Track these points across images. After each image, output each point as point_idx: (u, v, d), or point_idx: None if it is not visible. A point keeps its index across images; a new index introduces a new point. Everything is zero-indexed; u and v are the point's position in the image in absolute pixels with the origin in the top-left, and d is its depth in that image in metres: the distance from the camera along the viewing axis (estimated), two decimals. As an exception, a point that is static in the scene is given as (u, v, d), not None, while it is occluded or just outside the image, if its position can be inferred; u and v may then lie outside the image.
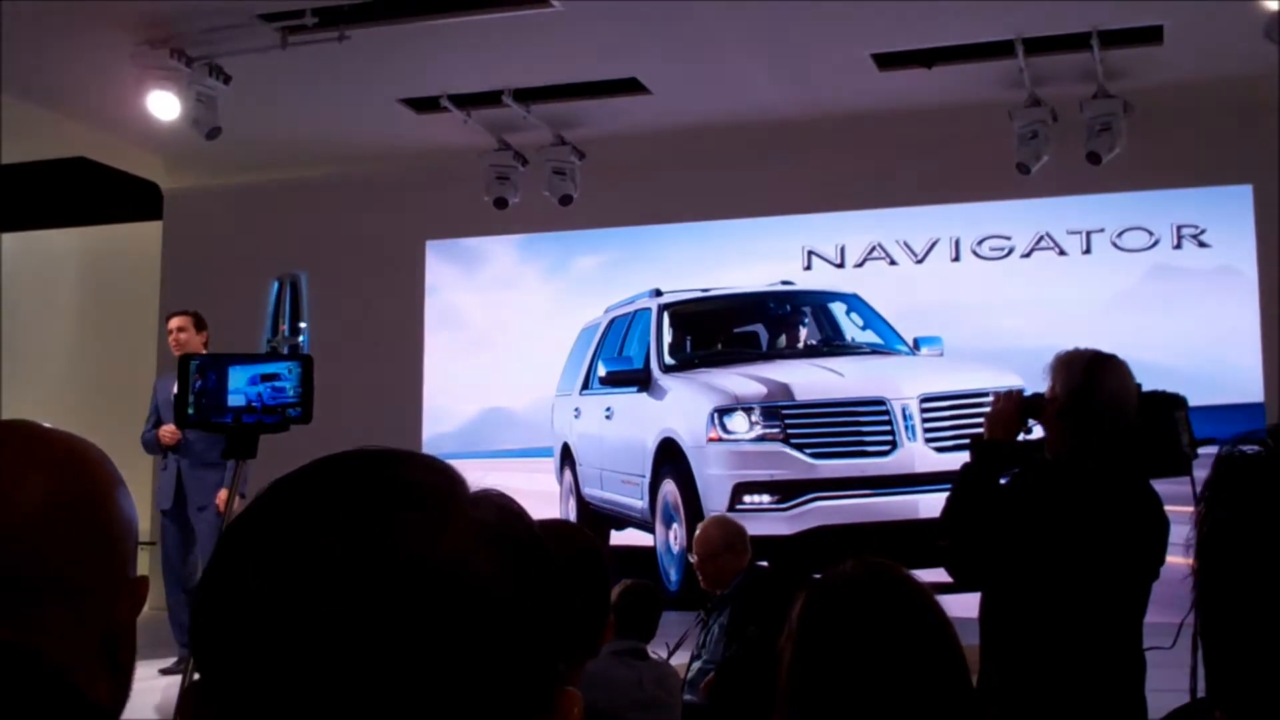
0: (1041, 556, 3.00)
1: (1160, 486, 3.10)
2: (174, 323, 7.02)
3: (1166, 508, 3.08)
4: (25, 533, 1.12)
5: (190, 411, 3.33)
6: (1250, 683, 0.95)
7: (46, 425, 1.22)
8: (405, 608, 0.66)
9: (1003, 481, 3.16)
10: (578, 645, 2.16)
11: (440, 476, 0.74)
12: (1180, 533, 3.07)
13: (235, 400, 3.27)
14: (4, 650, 1.08)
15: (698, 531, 5.30)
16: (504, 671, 0.69)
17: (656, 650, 5.09)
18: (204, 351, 6.94)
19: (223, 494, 6.67)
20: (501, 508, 0.74)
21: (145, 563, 7.41)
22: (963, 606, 2.45)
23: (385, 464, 0.74)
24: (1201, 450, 3.03)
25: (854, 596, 1.72)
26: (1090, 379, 3.06)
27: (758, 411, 8.57)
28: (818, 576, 1.84)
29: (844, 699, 1.64)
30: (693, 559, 5.26)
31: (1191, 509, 2.86)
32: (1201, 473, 2.92)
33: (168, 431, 6.79)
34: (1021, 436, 3.21)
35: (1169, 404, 3.06)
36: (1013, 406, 3.18)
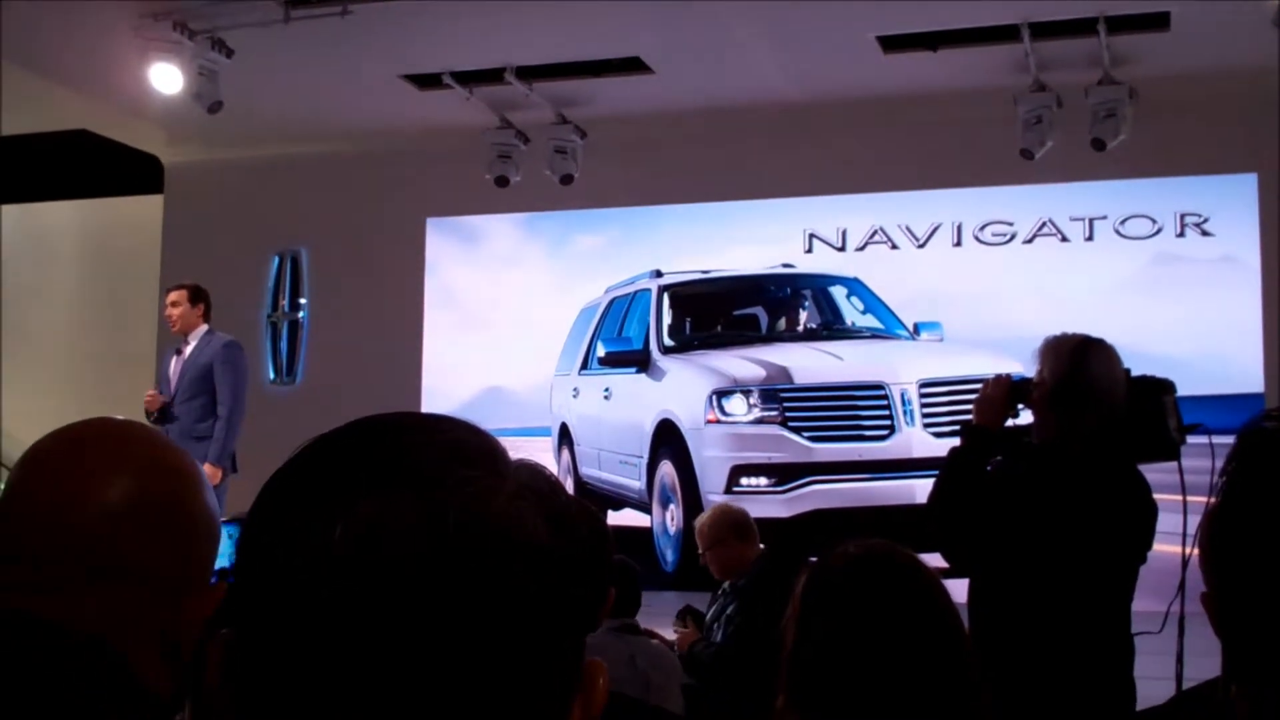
0: (1029, 541, 3.00)
1: (1149, 476, 3.10)
2: (169, 297, 6.96)
3: (1154, 496, 3.08)
4: (108, 519, 1.16)
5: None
6: (1269, 657, 0.95)
7: (133, 423, 1.27)
8: (462, 563, 0.66)
9: (990, 467, 3.16)
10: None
11: (483, 438, 0.74)
12: (1168, 520, 3.06)
13: None
14: (64, 633, 1.11)
15: (695, 524, 5.26)
16: (547, 634, 0.69)
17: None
18: (203, 325, 6.88)
19: (207, 468, 6.64)
20: (538, 474, 0.75)
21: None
22: (956, 591, 2.45)
23: (431, 423, 0.74)
24: (1191, 438, 3.03)
25: (858, 576, 1.72)
26: (1077, 364, 3.06)
27: (756, 394, 8.56)
28: (815, 559, 1.83)
29: (847, 678, 1.64)
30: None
31: (1179, 496, 2.86)
32: (1190, 461, 2.93)
33: (149, 396, 6.75)
34: (1011, 421, 3.20)
35: (1157, 389, 3.05)
36: (1001, 392, 3.18)
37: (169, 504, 1.21)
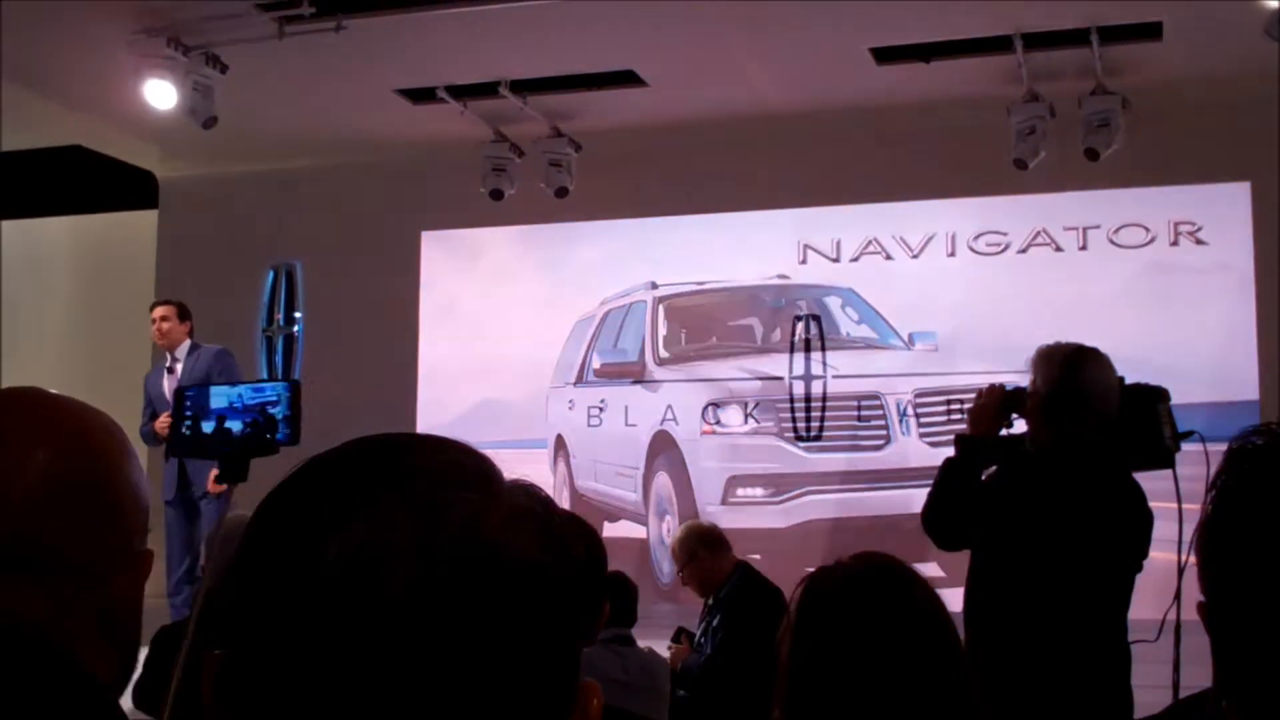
0: (1025, 550, 3.00)
1: (1145, 484, 3.09)
2: (157, 312, 6.97)
3: (1149, 505, 3.08)
4: (29, 503, 1.10)
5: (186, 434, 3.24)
6: (1260, 672, 0.95)
7: (55, 393, 1.20)
8: (455, 586, 0.66)
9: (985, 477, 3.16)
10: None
11: (478, 459, 0.74)
12: (1162, 528, 3.05)
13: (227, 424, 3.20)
14: (2, 624, 1.07)
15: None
16: (540, 657, 0.69)
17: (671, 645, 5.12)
18: (188, 341, 6.92)
19: (215, 473, 6.62)
20: (533, 495, 0.75)
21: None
22: (953, 600, 2.45)
23: (426, 444, 0.74)
24: (1185, 445, 3.03)
25: (853, 588, 1.72)
26: (1070, 372, 3.06)
27: (751, 405, 8.58)
28: (812, 570, 1.83)
29: (843, 691, 1.63)
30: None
31: (1175, 504, 2.84)
32: (1185, 469, 2.93)
33: (163, 423, 6.72)
34: (1005, 431, 3.20)
35: (1151, 397, 3.05)
36: (995, 401, 3.18)
37: (93, 480, 1.14)
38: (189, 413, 3.18)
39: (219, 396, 3.20)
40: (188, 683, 2.82)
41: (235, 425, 3.12)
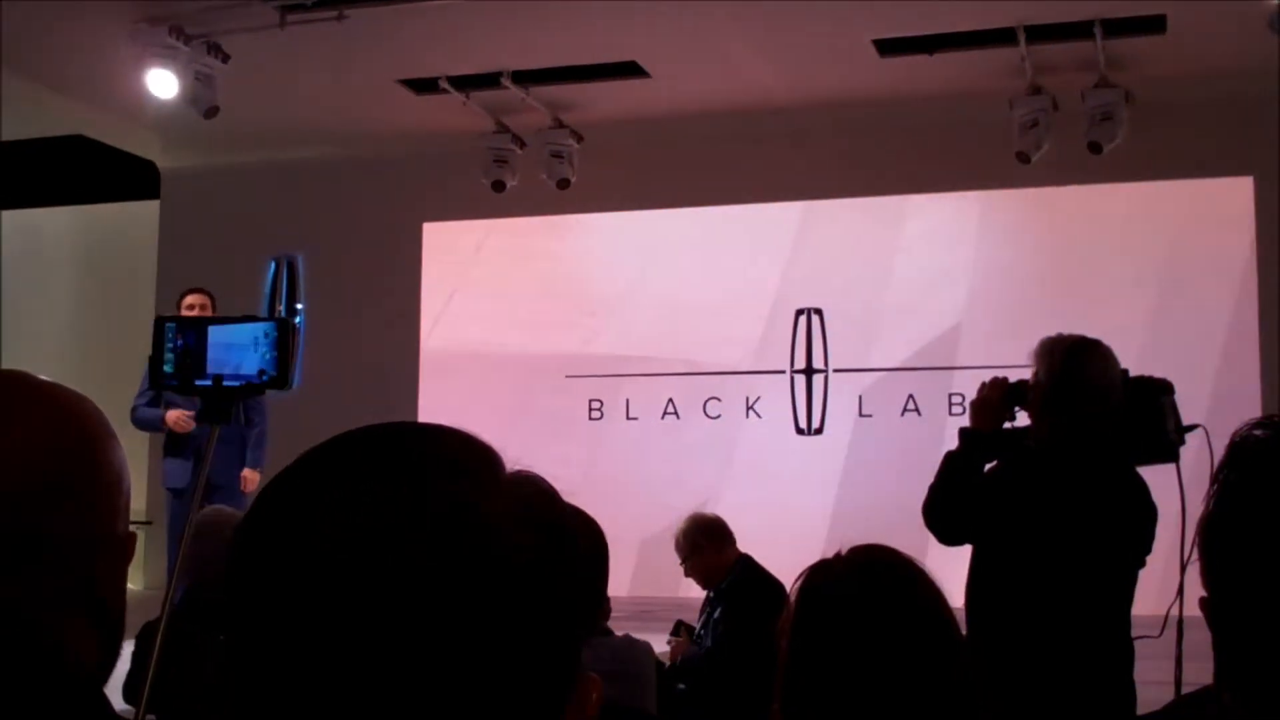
0: (1027, 545, 3.00)
1: (1150, 478, 3.08)
2: (195, 300, 6.75)
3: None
4: (12, 487, 1.08)
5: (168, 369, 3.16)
6: (1262, 666, 0.95)
7: (37, 376, 1.18)
8: (453, 575, 0.66)
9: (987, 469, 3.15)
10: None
11: (479, 450, 0.74)
12: (1165, 522, 3.02)
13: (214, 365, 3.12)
14: None
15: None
16: (537, 648, 0.69)
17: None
18: None
19: (248, 473, 6.52)
20: (536, 486, 0.75)
21: (143, 544, 7.31)
22: (952, 595, 2.44)
23: (428, 433, 0.75)
24: (1189, 437, 3.02)
25: (853, 581, 1.71)
26: (1071, 365, 3.05)
27: (753, 398, 8.58)
28: (815, 562, 1.82)
29: (842, 683, 1.63)
30: None
31: (1178, 498, 2.80)
32: (1188, 462, 2.91)
33: (182, 416, 6.38)
34: (1008, 424, 3.19)
35: (1155, 390, 3.04)
36: (997, 394, 3.17)
37: (77, 463, 1.12)
38: (181, 349, 3.09)
39: (218, 348, 3.11)
40: (167, 674, 2.81)
41: (234, 383, 3.07)
